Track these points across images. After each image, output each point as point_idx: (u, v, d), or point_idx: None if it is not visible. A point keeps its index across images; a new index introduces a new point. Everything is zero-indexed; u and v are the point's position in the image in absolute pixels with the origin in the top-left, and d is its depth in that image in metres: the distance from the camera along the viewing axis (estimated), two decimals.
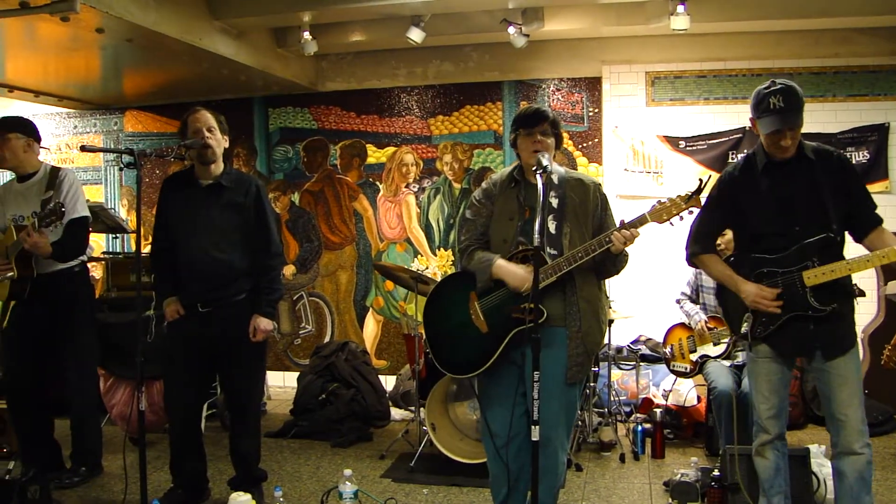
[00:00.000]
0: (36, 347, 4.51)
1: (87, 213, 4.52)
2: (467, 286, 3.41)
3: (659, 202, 3.18)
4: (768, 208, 3.34)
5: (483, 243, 3.42)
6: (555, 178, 3.31)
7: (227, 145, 4.10)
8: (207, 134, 3.95)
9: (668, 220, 3.17)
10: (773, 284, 3.30)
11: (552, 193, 3.28)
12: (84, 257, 4.65)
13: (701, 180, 3.19)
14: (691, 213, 3.19)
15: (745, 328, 3.39)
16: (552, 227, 3.24)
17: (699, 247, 3.57)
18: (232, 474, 4.31)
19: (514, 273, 3.23)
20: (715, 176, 6.08)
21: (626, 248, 3.19)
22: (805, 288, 3.23)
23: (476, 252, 3.39)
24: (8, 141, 4.44)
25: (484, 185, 3.49)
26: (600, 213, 3.35)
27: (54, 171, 4.51)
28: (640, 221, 3.18)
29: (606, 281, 3.38)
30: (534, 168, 3.06)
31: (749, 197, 3.39)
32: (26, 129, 4.50)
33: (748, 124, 6.10)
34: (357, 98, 7.25)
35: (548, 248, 3.21)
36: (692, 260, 3.62)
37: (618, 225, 3.20)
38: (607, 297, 3.50)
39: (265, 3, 5.69)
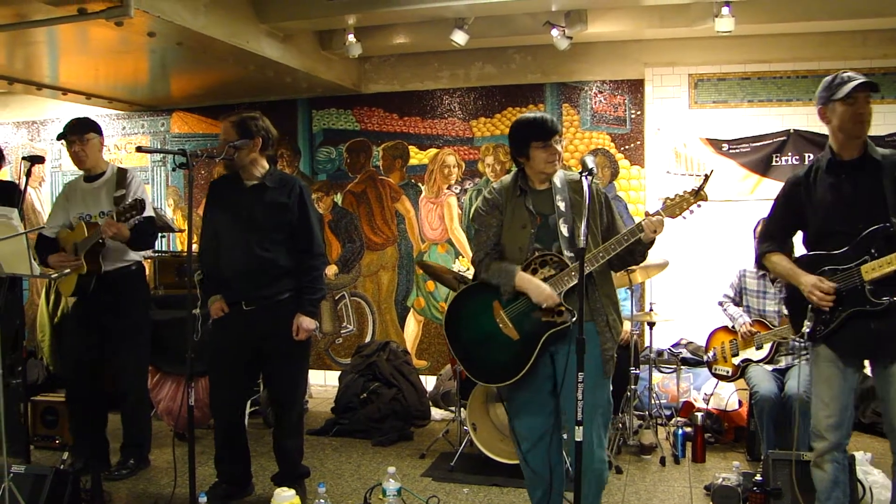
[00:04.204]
0: (95, 342, 4.64)
1: (152, 212, 4.66)
2: (487, 296, 3.43)
3: (668, 198, 3.25)
4: (830, 206, 3.28)
5: (497, 253, 3.45)
6: (557, 182, 3.38)
7: (260, 143, 4.08)
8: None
9: (681, 214, 3.22)
10: (833, 282, 3.23)
11: (558, 197, 3.35)
12: (140, 256, 4.77)
13: (706, 175, 3.21)
14: (700, 206, 3.22)
15: (806, 327, 3.32)
16: (564, 229, 3.30)
17: (766, 246, 3.56)
18: (275, 470, 4.39)
19: (537, 287, 3.25)
20: (759, 174, 6.14)
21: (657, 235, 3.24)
22: (863, 282, 3.15)
23: (493, 263, 3.41)
24: (88, 142, 4.58)
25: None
26: (605, 211, 3.40)
27: (122, 172, 4.66)
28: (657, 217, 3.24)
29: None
30: (580, 171, 3.12)
31: (812, 196, 3.35)
32: (98, 128, 4.66)
33: (793, 126, 6.16)
34: (400, 100, 7.31)
35: (564, 251, 3.27)
36: (760, 260, 3.60)
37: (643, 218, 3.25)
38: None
39: (311, 7, 5.75)
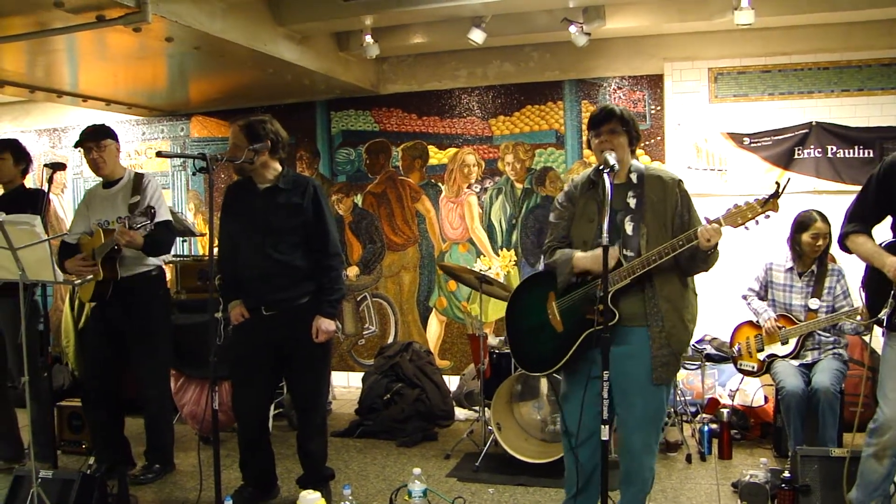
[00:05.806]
0: (113, 347, 4.66)
1: (169, 216, 4.67)
2: (546, 286, 3.44)
3: (735, 206, 3.08)
4: None
5: (565, 245, 3.43)
6: (633, 178, 3.30)
7: (269, 146, 4.05)
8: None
9: (743, 223, 3.05)
10: None
11: (630, 193, 3.26)
12: (160, 261, 4.79)
13: (778, 184, 3.05)
14: (768, 217, 3.03)
15: (884, 312, 3.21)
16: (629, 228, 3.22)
17: (852, 226, 3.42)
18: (300, 473, 4.39)
19: (594, 256, 3.19)
20: (781, 168, 6.08)
21: (716, 244, 3.09)
22: None
23: (557, 250, 3.41)
24: (105, 148, 4.60)
25: (566, 187, 3.51)
26: (682, 210, 3.26)
27: (138, 177, 4.68)
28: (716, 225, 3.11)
29: None
30: (601, 167, 3.07)
31: None
32: (114, 134, 4.68)
33: (815, 119, 6.09)
34: (418, 100, 7.31)
35: (624, 250, 3.20)
36: (843, 241, 3.46)
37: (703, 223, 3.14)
38: (696, 294, 3.39)
39: (328, 8, 5.76)
